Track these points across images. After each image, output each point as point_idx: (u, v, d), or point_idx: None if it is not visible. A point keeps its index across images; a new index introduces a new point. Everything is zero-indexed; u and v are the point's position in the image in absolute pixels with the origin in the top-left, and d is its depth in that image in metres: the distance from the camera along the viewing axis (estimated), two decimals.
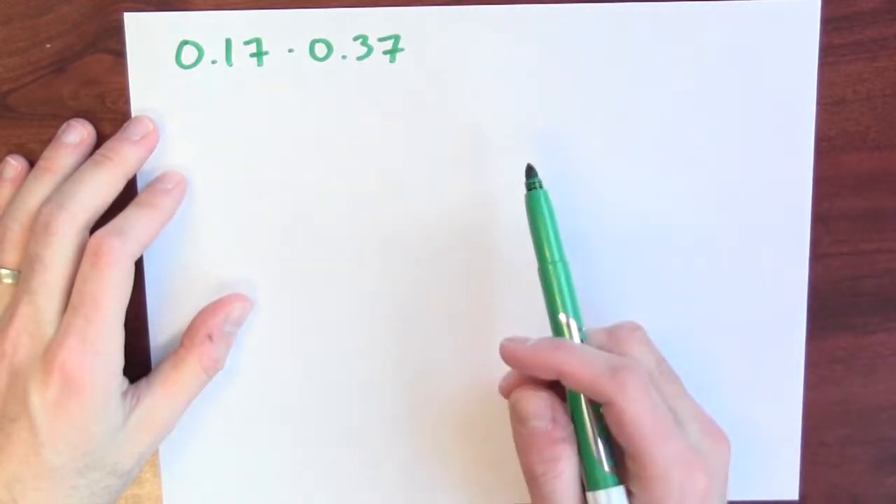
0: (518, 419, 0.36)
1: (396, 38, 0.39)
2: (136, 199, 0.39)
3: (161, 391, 0.39)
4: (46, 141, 0.40)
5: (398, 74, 0.39)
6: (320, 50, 0.39)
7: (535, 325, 0.39)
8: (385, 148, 0.40)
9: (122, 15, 0.39)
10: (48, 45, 0.40)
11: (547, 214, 0.37)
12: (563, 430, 0.35)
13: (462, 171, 0.40)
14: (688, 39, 0.39)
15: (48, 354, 0.36)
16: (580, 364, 0.34)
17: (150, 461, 0.42)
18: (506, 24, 0.39)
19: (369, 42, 0.39)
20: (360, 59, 0.39)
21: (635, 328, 0.37)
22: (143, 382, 0.39)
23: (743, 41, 0.39)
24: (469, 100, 0.40)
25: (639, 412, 0.33)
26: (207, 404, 0.41)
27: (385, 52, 0.39)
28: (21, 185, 0.39)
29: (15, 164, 0.40)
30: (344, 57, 0.39)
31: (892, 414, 0.42)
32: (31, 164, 0.40)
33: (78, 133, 0.39)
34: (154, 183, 0.40)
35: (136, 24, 0.39)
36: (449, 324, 0.41)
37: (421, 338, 0.41)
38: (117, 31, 0.39)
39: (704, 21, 0.39)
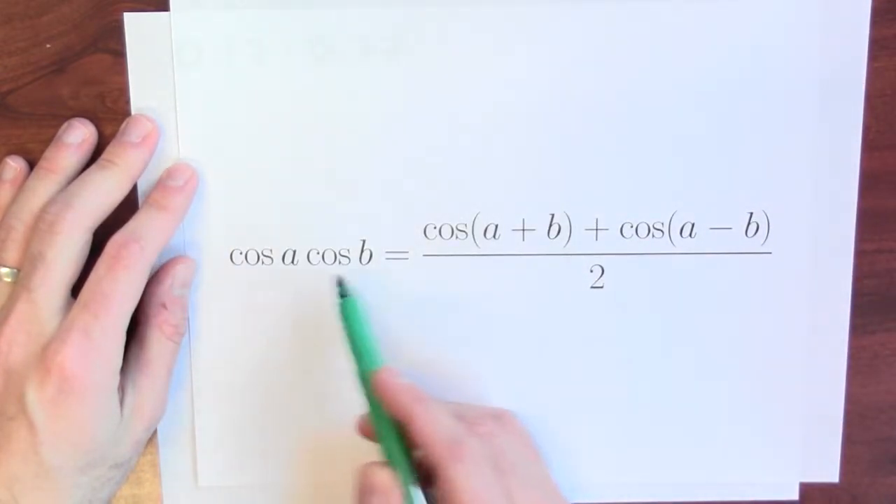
0: (361, 491, 0.36)
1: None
2: (150, 199, 0.39)
3: (139, 375, 0.39)
4: (46, 141, 0.40)
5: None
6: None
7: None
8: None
9: (122, 15, 0.39)
10: (48, 45, 0.40)
11: (362, 322, 0.39)
12: None
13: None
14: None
15: (47, 352, 0.36)
16: (429, 423, 0.35)
17: (151, 461, 0.42)
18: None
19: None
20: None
21: (501, 416, 0.39)
22: (119, 374, 0.38)
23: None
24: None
25: (469, 487, 0.34)
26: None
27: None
28: (21, 186, 0.39)
29: (14, 165, 0.40)
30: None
31: (891, 414, 0.42)
32: (31, 164, 0.40)
33: (80, 133, 0.39)
34: (165, 179, 0.39)
35: (136, 24, 0.39)
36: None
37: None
38: (117, 31, 0.39)
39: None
